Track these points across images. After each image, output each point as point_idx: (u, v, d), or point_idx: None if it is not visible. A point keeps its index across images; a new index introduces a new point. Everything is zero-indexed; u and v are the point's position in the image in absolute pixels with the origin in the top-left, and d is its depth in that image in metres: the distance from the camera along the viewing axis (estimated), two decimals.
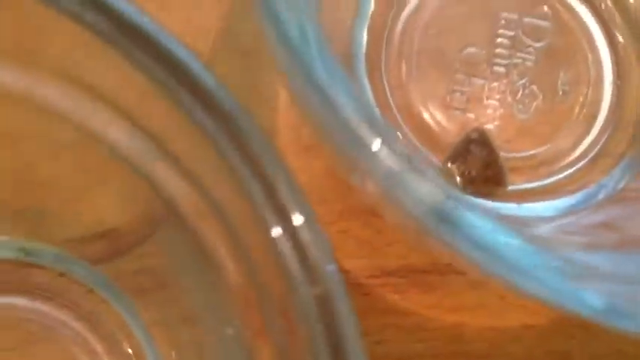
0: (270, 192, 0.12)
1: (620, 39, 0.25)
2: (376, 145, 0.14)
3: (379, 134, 0.14)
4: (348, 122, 0.13)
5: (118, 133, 0.13)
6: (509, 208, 0.23)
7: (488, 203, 0.23)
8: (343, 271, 0.22)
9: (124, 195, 0.16)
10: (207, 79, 0.12)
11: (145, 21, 0.12)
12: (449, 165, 0.22)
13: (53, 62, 0.13)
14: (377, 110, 0.23)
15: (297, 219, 0.12)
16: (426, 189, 0.14)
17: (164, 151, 0.13)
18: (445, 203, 0.14)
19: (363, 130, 0.14)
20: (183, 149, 0.13)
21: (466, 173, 0.22)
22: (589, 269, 0.16)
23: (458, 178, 0.22)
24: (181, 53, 0.12)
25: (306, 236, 0.12)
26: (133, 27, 0.12)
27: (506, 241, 0.14)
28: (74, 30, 0.12)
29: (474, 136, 0.23)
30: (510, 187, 0.23)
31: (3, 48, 0.14)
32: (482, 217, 0.14)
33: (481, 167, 0.22)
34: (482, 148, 0.22)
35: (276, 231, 0.12)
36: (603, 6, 0.25)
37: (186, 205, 0.13)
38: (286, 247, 0.12)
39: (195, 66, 0.12)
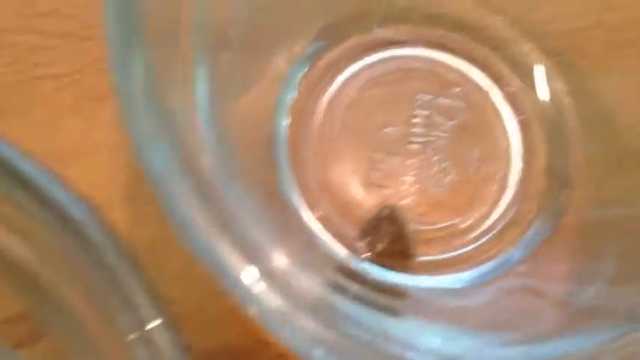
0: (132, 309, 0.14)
1: (526, 116, 0.27)
2: (251, 281, 0.14)
3: (258, 269, 0.14)
4: (222, 259, 0.14)
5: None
6: (421, 280, 0.24)
7: (400, 278, 0.24)
8: None
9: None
10: (92, 227, 0.14)
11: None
12: (359, 242, 0.24)
13: None
14: (299, 210, 0.24)
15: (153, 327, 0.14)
16: (299, 338, 0.14)
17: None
18: (315, 353, 0.14)
19: (238, 267, 0.14)
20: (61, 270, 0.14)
21: (374, 248, 0.24)
22: None
23: (368, 253, 0.24)
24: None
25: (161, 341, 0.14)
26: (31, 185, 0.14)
27: None
28: None
29: (386, 212, 0.24)
30: (424, 259, 0.25)
31: None
32: None
33: (389, 242, 0.24)
34: (392, 224, 0.24)
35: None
36: (511, 89, 0.27)
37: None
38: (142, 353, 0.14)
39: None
